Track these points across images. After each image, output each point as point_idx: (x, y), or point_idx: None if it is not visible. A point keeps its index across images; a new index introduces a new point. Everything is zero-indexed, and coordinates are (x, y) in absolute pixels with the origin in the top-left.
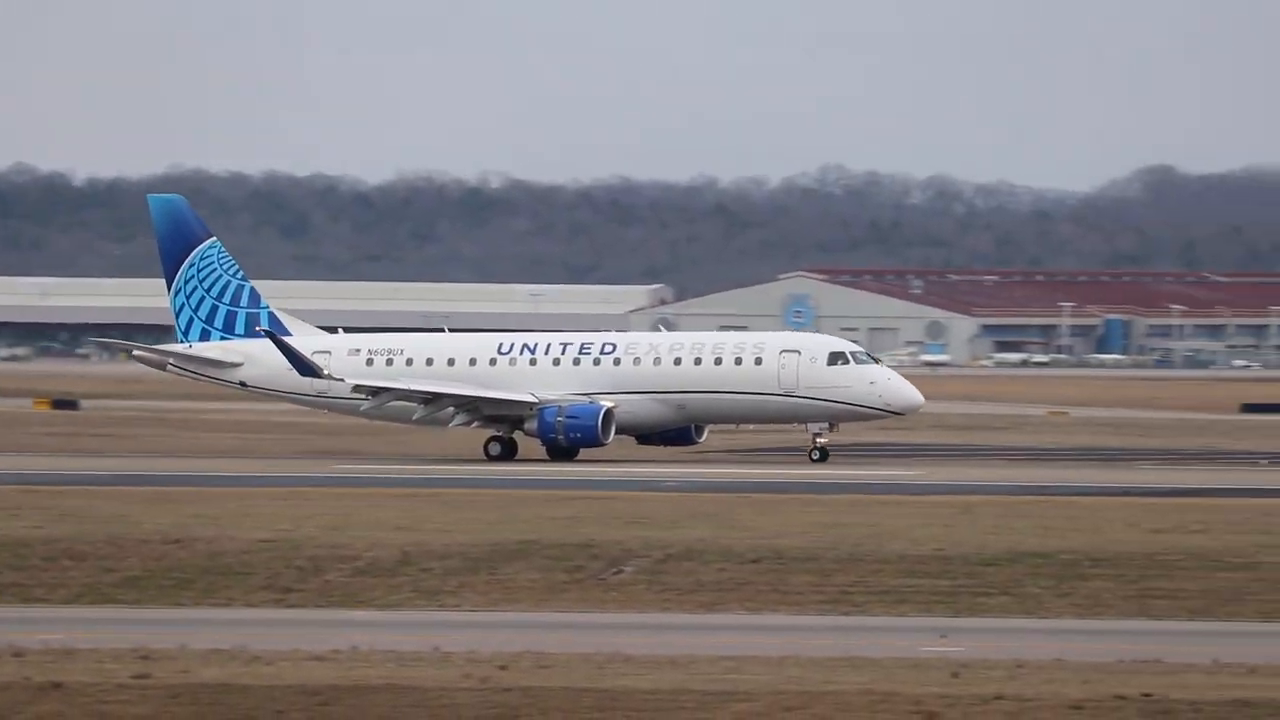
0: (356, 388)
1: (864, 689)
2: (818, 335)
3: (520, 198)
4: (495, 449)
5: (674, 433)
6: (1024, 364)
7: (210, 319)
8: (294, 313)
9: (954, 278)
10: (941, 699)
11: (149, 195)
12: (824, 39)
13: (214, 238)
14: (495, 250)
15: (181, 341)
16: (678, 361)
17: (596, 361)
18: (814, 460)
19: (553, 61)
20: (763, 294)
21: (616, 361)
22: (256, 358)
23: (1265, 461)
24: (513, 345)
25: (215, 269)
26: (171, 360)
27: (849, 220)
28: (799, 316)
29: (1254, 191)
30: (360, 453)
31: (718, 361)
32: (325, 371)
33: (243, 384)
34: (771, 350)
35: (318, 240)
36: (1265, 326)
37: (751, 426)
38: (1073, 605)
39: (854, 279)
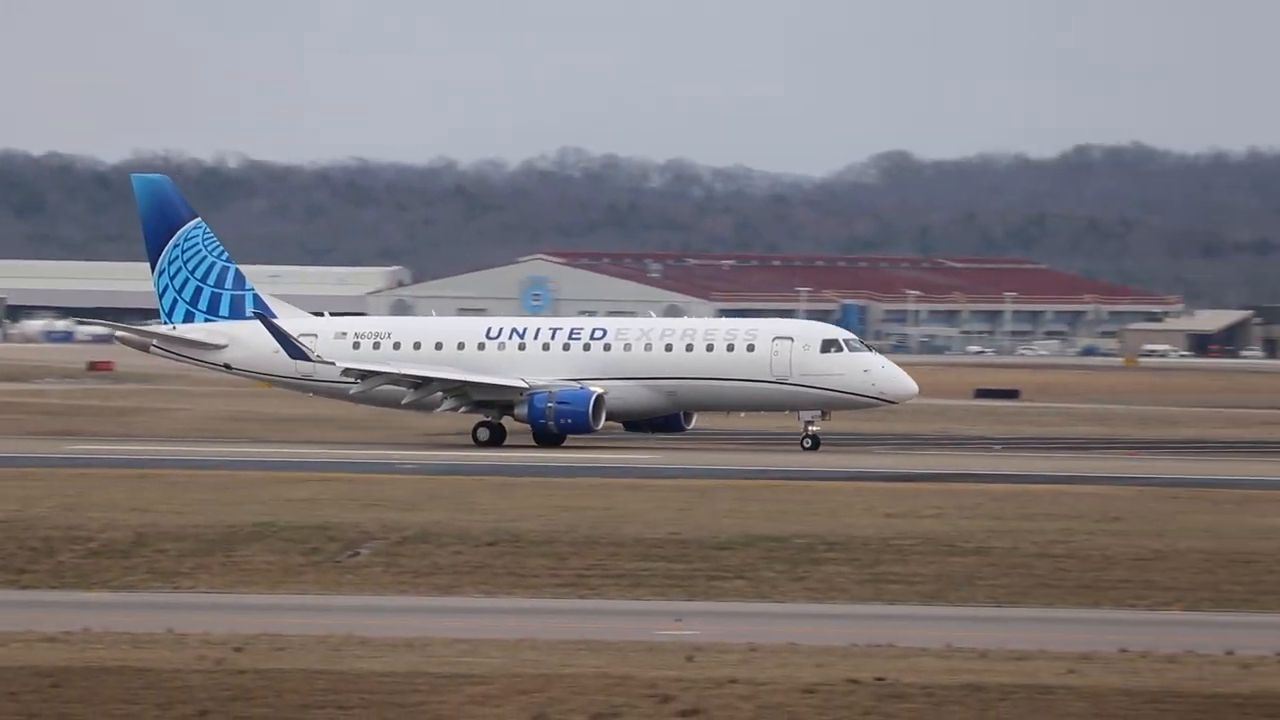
0: (346, 371)
1: (600, 672)
2: (811, 322)
3: (257, 178)
4: (484, 434)
5: (662, 420)
6: None
7: (194, 300)
8: (27, 292)
9: (692, 262)
10: (676, 682)
11: (133, 175)
12: (563, 21)
13: (199, 218)
14: (233, 231)
15: (165, 323)
16: (669, 348)
17: (586, 347)
18: (806, 448)
19: (288, 42)
20: (502, 276)
21: (607, 347)
22: (241, 340)
23: (999, 447)
24: (501, 330)
25: (200, 250)
26: (155, 341)
27: (587, 203)
28: (537, 299)
29: (988, 178)
30: (90, 433)
31: (709, 348)
32: (315, 355)
33: (227, 366)
34: (764, 337)
35: (53, 220)
36: (999, 312)
37: (743, 414)
38: (807, 589)
39: (593, 262)
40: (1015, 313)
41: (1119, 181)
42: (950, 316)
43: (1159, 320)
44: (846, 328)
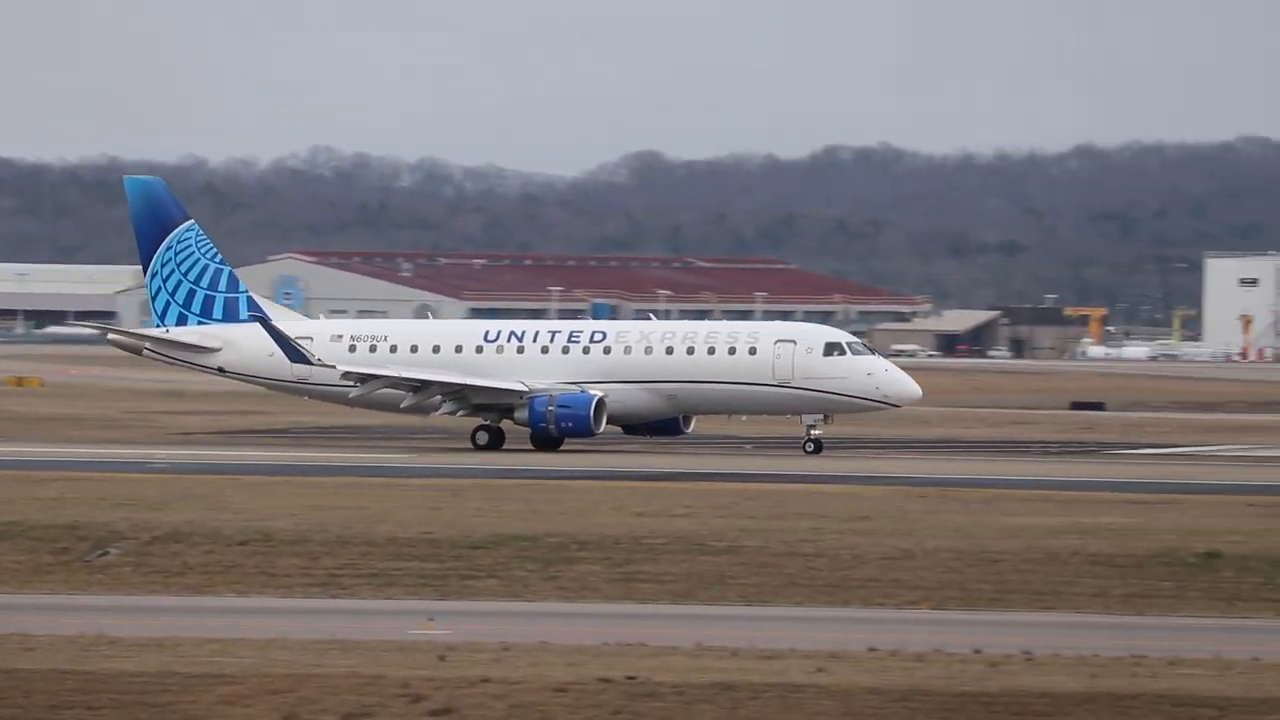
0: (345, 375)
1: (351, 671)
2: (813, 325)
3: (6, 176)
4: (483, 438)
5: (661, 423)
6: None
7: (187, 303)
8: None
9: (443, 261)
10: (429, 682)
11: (125, 176)
12: (314, 20)
13: (191, 220)
14: None
15: (157, 325)
16: (669, 351)
17: (586, 350)
18: (808, 452)
19: (35, 38)
20: (252, 275)
21: (606, 350)
22: (235, 343)
23: (749, 447)
24: (500, 333)
25: (193, 252)
26: (148, 344)
27: (338, 202)
28: (288, 298)
29: (738, 178)
30: None
31: (710, 351)
32: (316, 358)
33: (221, 370)
34: (766, 340)
35: None
36: (750, 312)
37: (745, 417)
38: (559, 588)
39: (344, 261)
40: (766, 313)
41: (868, 182)
42: (701, 316)
43: (907, 320)
44: None
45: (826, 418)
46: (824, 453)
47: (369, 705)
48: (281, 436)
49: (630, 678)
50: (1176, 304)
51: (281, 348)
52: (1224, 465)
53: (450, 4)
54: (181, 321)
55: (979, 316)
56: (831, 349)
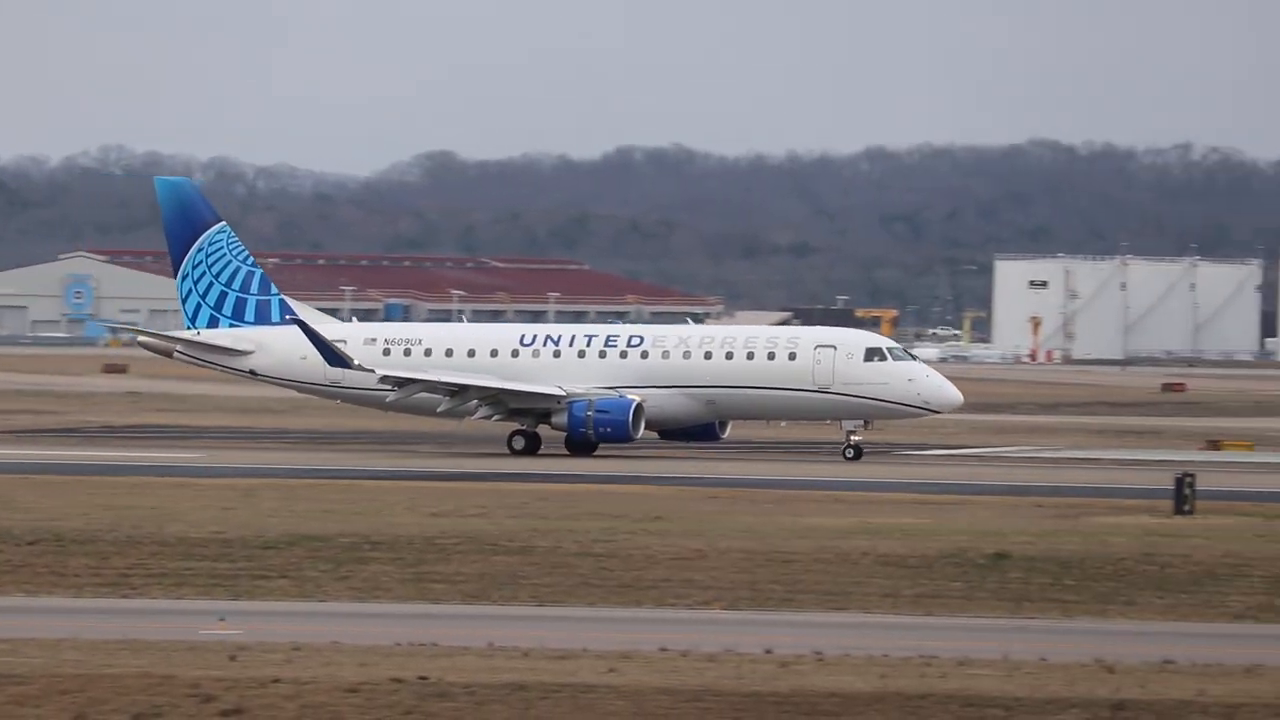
0: (384, 379)
1: (142, 672)
2: (853, 331)
3: None
4: (519, 443)
5: (697, 428)
6: None
7: (219, 305)
8: None
9: None
10: (219, 682)
11: (156, 178)
12: (105, 18)
13: (223, 222)
14: None
15: (189, 328)
16: (708, 355)
17: (623, 354)
18: (848, 458)
19: None
20: (43, 274)
21: (644, 354)
22: (267, 346)
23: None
24: (535, 337)
25: (224, 254)
26: (179, 347)
27: (130, 201)
28: (79, 297)
29: (531, 178)
30: None
31: (750, 356)
32: (356, 362)
33: (253, 372)
34: (806, 345)
35: None
36: (543, 312)
37: (783, 423)
38: (351, 588)
39: (137, 260)
40: (559, 313)
41: (661, 183)
42: (495, 316)
43: (700, 321)
44: None
45: (866, 423)
46: (617, 452)
47: (159, 705)
48: (72, 436)
49: (422, 678)
50: (966, 306)
51: (320, 351)
52: (1013, 466)
53: (238, 5)
54: (213, 324)
55: (771, 318)
56: (872, 354)
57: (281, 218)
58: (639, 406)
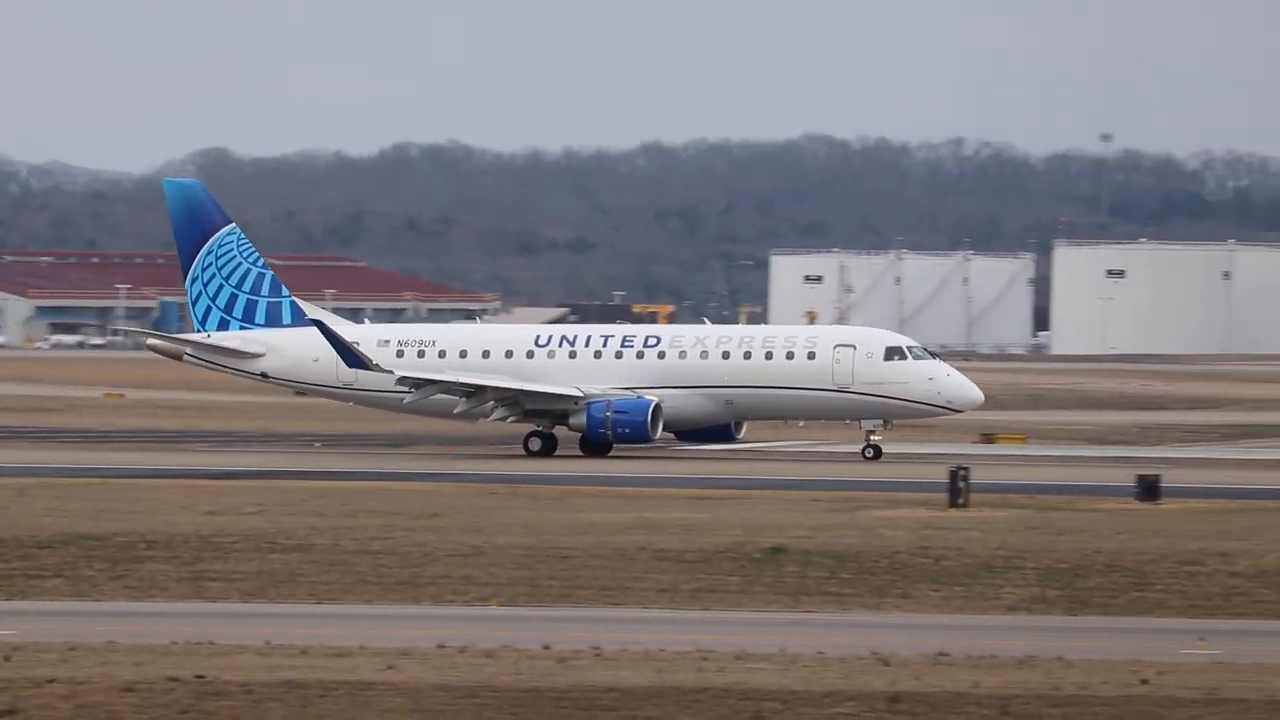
0: (401, 380)
1: None
2: (873, 330)
3: None
4: (536, 444)
5: (715, 429)
6: (80, 346)
7: (229, 308)
8: None
9: (9, 259)
10: None
11: (165, 180)
12: None
13: (233, 224)
14: None
15: (199, 331)
16: (726, 355)
17: (640, 355)
18: (867, 458)
19: None
20: None
21: (661, 355)
22: (279, 348)
23: (319, 444)
24: (550, 337)
25: (234, 256)
26: (189, 350)
27: None
28: None
29: (307, 175)
30: None
31: (768, 356)
32: (374, 364)
33: (264, 375)
34: (825, 345)
35: None
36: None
37: (801, 423)
38: (127, 588)
39: None
40: (335, 309)
41: (437, 180)
42: None
43: (476, 318)
44: (164, 326)
45: (886, 423)
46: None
47: None
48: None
49: (199, 676)
50: (743, 300)
51: (339, 352)
52: (790, 461)
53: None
54: (223, 326)
55: (548, 314)
56: (892, 353)
57: (55, 215)
58: (657, 407)
